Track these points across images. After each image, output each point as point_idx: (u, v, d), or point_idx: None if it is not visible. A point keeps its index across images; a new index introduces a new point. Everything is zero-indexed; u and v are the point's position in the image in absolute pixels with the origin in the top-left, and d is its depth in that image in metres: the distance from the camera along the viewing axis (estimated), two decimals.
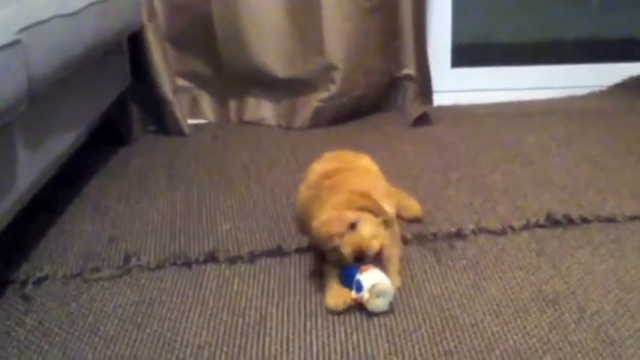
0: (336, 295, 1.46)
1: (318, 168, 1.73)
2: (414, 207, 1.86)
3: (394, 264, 1.54)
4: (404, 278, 1.55)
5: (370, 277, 1.43)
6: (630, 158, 2.23)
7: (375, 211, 1.49)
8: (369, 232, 1.46)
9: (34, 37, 1.48)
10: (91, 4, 1.86)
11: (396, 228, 1.63)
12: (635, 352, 1.28)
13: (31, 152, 1.62)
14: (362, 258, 1.44)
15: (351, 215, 1.46)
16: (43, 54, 1.53)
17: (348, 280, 1.47)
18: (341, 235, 1.45)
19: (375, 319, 1.41)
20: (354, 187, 1.54)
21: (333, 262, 1.52)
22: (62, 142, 1.83)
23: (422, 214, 1.86)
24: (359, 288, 1.43)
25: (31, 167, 1.62)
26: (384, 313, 1.42)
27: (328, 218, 1.46)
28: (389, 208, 1.58)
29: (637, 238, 1.71)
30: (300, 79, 2.70)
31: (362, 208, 1.47)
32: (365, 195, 1.50)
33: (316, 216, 1.50)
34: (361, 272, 1.44)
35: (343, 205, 1.47)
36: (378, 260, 1.48)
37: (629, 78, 3.06)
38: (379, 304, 1.43)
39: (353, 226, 1.45)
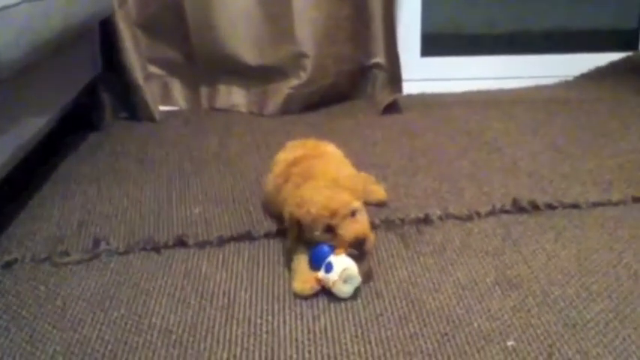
0: (304, 280, 1.45)
1: (283, 157, 1.74)
2: (379, 191, 1.87)
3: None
4: (371, 263, 1.55)
5: (342, 262, 1.43)
6: (594, 147, 2.25)
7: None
8: (367, 222, 1.49)
9: (1, 21, 1.46)
10: None
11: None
12: (596, 335, 1.28)
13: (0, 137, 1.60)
14: (361, 246, 1.46)
15: (355, 203, 1.47)
16: (11, 39, 1.51)
17: (318, 260, 1.46)
18: (343, 217, 1.45)
19: (342, 303, 1.41)
20: (324, 172, 1.54)
21: (306, 243, 1.51)
22: (31, 127, 1.81)
23: (386, 198, 1.86)
24: (328, 269, 1.42)
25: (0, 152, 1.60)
26: (351, 298, 1.42)
27: (331, 197, 1.46)
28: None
29: (599, 224, 1.72)
30: (270, 67, 2.69)
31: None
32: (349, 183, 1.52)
33: (293, 198, 1.51)
34: (335, 255, 1.44)
35: (330, 189, 1.48)
36: (357, 249, 1.48)
37: (595, 68, 3.09)
38: (345, 289, 1.42)
39: (353, 213, 1.47)
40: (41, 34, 1.71)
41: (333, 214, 1.45)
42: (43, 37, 1.72)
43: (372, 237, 1.48)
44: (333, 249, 1.46)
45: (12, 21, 1.52)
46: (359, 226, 1.46)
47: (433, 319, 1.35)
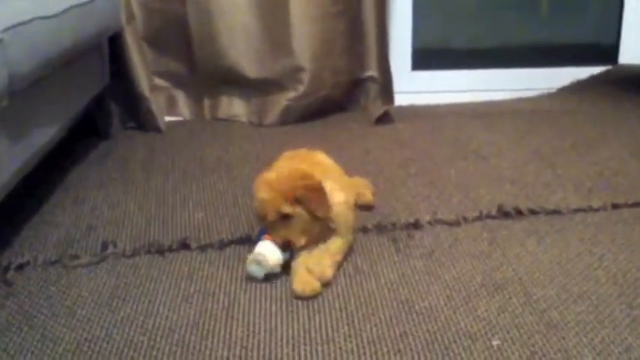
0: (303, 282, 1.45)
1: (276, 165, 1.73)
2: (366, 195, 1.87)
3: (331, 254, 1.53)
4: (363, 265, 1.56)
5: (262, 246, 1.50)
6: (575, 155, 2.25)
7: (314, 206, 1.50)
8: (301, 227, 1.51)
9: (15, 37, 1.46)
10: (72, 7, 1.84)
11: (341, 219, 1.59)
12: (576, 334, 1.28)
13: (13, 145, 1.59)
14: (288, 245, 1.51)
15: (286, 209, 1.48)
16: (23, 53, 1.51)
17: (255, 241, 1.55)
18: (273, 221, 1.50)
19: (336, 303, 1.41)
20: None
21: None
22: (43, 136, 1.80)
23: (373, 201, 1.87)
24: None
25: (13, 159, 1.60)
26: (346, 299, 1.42)
27: (265, 200, 1.49)
28: (346, 197, 1.61)
29: (580, 229, 1.72)
30: (270, 79, 2.69)
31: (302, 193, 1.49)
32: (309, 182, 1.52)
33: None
34: (264, 239, 1.52)
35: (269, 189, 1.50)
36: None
37: (575, 81, 3.08)
38: (253, 269, 1.50)
39: (285, 217, 1.49)
40: (53, 49, 1.72)
41: (263, 217, 1.51)
42: (54, 52, 1.73)
43: (300, 241, 1.51)
44: (263, 234, 1.54)
45: (26, 36, 1.53)
46: (285, 232, 1.50)
47: (422, 319, 1.35)
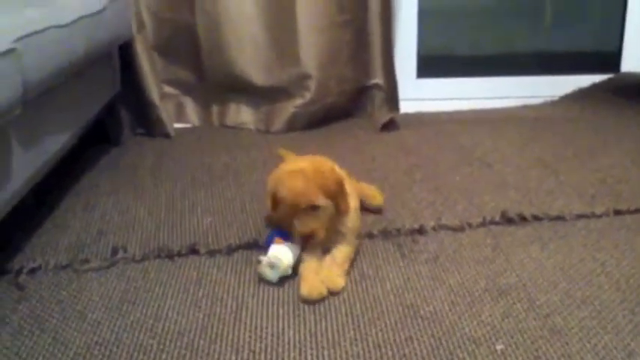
0: (311, 285, 1.45)
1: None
2: (376, 197, 1.87)
3: (339, 264, 1.53)
4: (369, 270, 1.55)
5: (275, 249, 1.51)
6: (578, 162, 2.24)
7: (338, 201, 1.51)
8: (326, 221, 1.51)
9: (29, 46, 1.47)
10: (84, 17, 1.85)
11: (352, 224, 1.60)
12: (579, 340, 1.28)
13: (26, 152, 1.60)
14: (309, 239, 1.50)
15: (321, 199, 1.48)
16: (37, 62, 1.52)
17: (267, 244, 1.57)
18: (303, 211, 1.48)
19: (343, 308, 1.41)
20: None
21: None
22: (55, 143, 1.81)
23: (383, 203, 1.87)
24: (266, 253, 1.52)
25: (26, 166, 1.61)
26: (352, 304, 1.42)
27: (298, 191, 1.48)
28: (355, 203, 1.62)
29: (583, 235, 1.72)
30: (277, 87, 2.69)
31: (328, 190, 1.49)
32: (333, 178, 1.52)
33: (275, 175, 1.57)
34: (275, 243, 1.53)
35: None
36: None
37: (578, 89, 3.08)
38: (267, 272, 1.49)
39: (313, 208, 1.48)
40: (65, 58, 1.73)
41: (294, 205, 1.48)
42: (67, 60, 1.73)
43: (322, 234, 1.50)
44: (274, 237, 1.56)
45: (39, 45, 1.54)
46: (312, 223, 1.49)
47: (427, 323, 1.35)
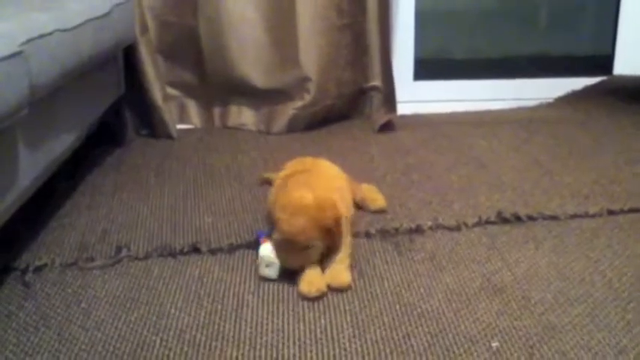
0: (309, 282, 1.45)
1: (283, 173, 1.74)
2: (379, 200, 1.87)
3: (342, 261, 1.53)
4: (367, 269, 1.55)
5: (265, 249, 1.53)
6: (572, 162, 2.24)
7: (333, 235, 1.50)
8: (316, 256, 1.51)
9: (35, 49, 1.46)
10: (89, 20, 1.85)
11: (347, 227, 1.59)
12: (573, 337, 1.28)
13: (32, 152, 1.60)
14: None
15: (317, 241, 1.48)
16: (43, 64, 1.51)
17: (256, 246, 1.60)
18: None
19: (341, 305, 1.41)
20: (317, 182, 1.60)
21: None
22: (61, 144, 1.81)
23: (386, 206, 1.87)
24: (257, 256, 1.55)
25: (32, 166, 1.60)
26: (350, 301, 1.42)
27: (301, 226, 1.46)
28: (347, 210, 1.63)
29: (577, 234, 1.72)
30: (277, 89, 2.69)
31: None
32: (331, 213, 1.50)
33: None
34: (262, 243, 1.55)
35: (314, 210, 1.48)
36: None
37: (572, 92, 3.08)
38: (266, 271, 1.51)
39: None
40: (71, 60, 1.72)
41: (290, 242, 1.47)
42: (73, 63, 1.73)
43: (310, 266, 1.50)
44: (263, 235, 1.59)
45: (46, 48, 1.53)
46: (303, 260, 1.49)
47: (424, 321, 1.35)
